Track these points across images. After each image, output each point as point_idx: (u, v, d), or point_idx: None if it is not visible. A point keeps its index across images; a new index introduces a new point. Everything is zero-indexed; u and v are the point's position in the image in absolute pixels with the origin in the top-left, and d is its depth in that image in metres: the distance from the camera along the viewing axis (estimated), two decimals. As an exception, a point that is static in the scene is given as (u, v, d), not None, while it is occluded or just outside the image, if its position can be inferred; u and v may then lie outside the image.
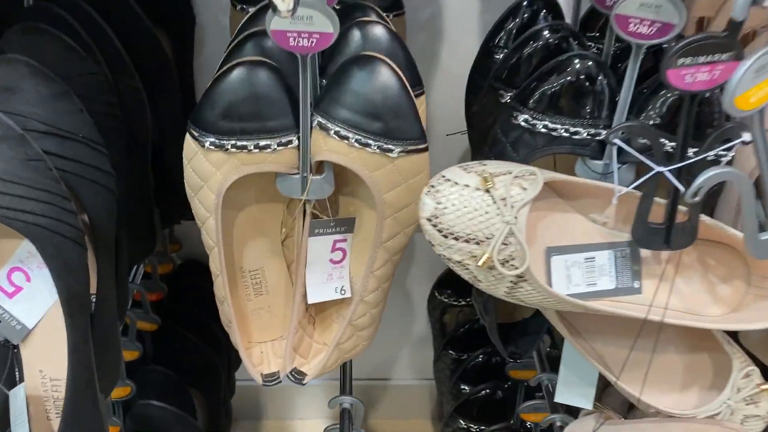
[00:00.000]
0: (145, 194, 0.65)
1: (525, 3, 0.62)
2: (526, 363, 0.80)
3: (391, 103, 0.47)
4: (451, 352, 0.94)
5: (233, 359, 0.93)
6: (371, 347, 0.61)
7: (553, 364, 0.76)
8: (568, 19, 0.62)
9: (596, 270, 0.48)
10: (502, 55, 0.61)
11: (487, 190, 0.42)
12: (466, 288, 0.99)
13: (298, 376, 0.58)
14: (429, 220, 0.43)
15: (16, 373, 0.46)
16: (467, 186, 0.43)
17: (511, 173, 0.43)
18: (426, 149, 0.48)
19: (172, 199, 0.64)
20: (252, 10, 0.65)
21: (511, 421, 0.83)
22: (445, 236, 0.43)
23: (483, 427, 0.85)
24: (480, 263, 0.42)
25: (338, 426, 0.71)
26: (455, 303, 0.99)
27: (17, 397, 0.44)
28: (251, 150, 0.48)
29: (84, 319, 0.44)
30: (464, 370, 0.90)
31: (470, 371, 0.90)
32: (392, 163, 0.47)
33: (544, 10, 0.62)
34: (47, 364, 0.46)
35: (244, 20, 0.58)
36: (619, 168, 0.49)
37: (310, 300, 0.56)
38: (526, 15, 0.62)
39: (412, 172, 0.48)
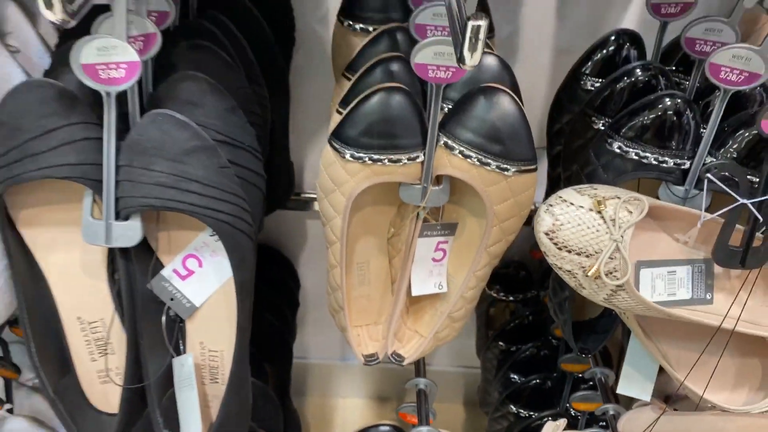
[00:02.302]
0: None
1: (612, 37, 0.69)
2: (577, 357, 0.88)
3: (510, 129, 0.54)
4: (500, 343, 1.02)
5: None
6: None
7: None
8: (649, 50, 0.69)
9: (676, 282, 0.56)
10: (589, 83, 0.69)
11: (599, 212, 0.50)
12: (512, 285, 1.08)
13: (398, 358, 0.66)
14: (546, 234, 0.50)
15: (180, 343, 0.54)
16: (581, 207, 0.50)
17: (619, 198, 0.50)
18: (535, 169, 0.56)
19: (275, 190, 0.72)
20: (359, 27, 0.73)
21: (558, 409, 0.92)
22: (560, 249, 0.50)
23: (532, 413, 0.93)
24: (589, 274, 0.49)
25: (413, 404, 0.79)
26: (503, 298, 1.06)
27: (184, 364, 0.52)
28: (385, 163, 0.55)
29: (249, 302, 0.51)
30: (514, 361, 0.98)
31: (520, 362, 0.98)
32: (506, 180, 0.55)
33: (628, 44, 0.69)
34: (207, 338, 0.54)
35: (365, 43, 0.66)
36: (698, 194, 0.57)
37: (414, 292, 0.64)
38: (612, 48, 0.69)
39: (522, 189, 0.56)
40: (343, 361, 1.32)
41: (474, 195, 0.60)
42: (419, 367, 0.81)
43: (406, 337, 0.68)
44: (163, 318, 0.52)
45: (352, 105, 0.56)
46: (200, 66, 0.54)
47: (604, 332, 0.70)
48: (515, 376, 0.98)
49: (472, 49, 0.38)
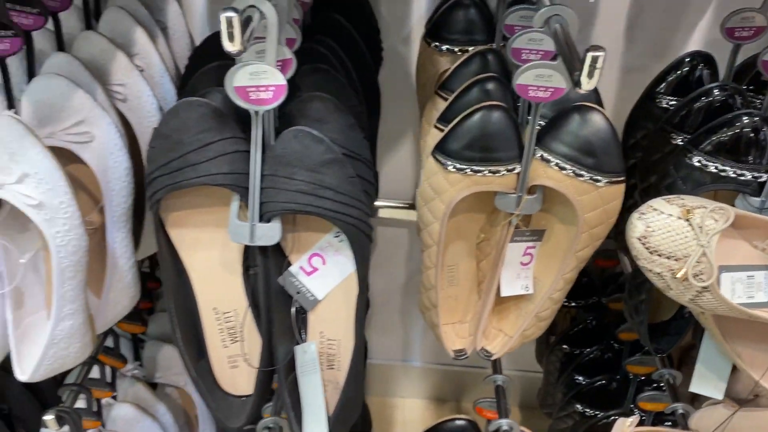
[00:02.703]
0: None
1: (687, 58, 0.74)
2: (642, 360, 0.92)
3: (602, 144, 0.59)
4: (564, 347, 1.07)
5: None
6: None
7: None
8: (721, 69, 0.74)
9: (755, 286, 0.60)
10: (664, 101, 0.74)
11: (687, 219, 0.55)
12: (574, 291, 1.12)
13: (486, 354, 0.72)
14: (639, 239, 0.56)
15: (302, 332, 0.60)
16: (671, 215, 0.55)
17: (706, 207, 0.55)
18: (624, 181, 0.61)
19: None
20: (445, 48, 0.79)
21: (623, 409, 0.96)
22: (651, 253, 0.55)
23: (598, 412, 0.97)
24: (678, 276, 0.55)
25: (490, 399, 0.84)
26: (565, 304, 1.11)
27: (307, 351, 0.59)
28: (485, 174, 0.61)
29: (365, 296, 0.58)
30: (579, 364, 1.03)
31: (584, 365, 1.03)
32: (597, 190, 0.60)
33: (702, 64, 0.74)
34: (327, 328, 0.60)
35: (458, 63, 0.72)
36: (774, 205, 0.62)
37: (503, 293, 0.69)
38: (686, 68, 0.74)
39: (611, 198, 0.61)
40: (403, 363, 1.38)
41: (562, 203, 0.65)
42: (496, 364, 0.86)
43: (491, 335, 0.74)
44: (293, 309, 0.58)
45: (455, 121, 0.62)
46: (320, 87, 0.61)
47: (676, 334, 0.75)
48: (580, 378, 1.02)
49: (590, 75, 0.44)
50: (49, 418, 0.72)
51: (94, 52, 0.69)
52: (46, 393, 0.97)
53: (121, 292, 0.70)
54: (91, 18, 0.77)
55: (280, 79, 0.51)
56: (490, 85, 0.66)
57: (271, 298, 0.57)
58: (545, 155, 0.61)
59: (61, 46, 0.70)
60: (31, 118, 0.61)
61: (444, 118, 0.67)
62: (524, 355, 1.23)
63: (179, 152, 0.53)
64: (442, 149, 0.62)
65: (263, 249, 0.56)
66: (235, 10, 0.44)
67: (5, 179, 0.55)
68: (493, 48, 0.73)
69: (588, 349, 1.03)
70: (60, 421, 0.74)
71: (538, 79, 0.58)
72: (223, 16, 0.43)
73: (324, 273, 0.58)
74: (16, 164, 0.55)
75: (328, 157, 0.53)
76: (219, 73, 0.61)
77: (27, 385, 0.94)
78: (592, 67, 0.44)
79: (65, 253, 0.59)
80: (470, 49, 0.78)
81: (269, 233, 0.54)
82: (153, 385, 0.98)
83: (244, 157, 0.54)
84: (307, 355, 0.58)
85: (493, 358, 0.72)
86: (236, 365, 0.62)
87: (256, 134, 0.53)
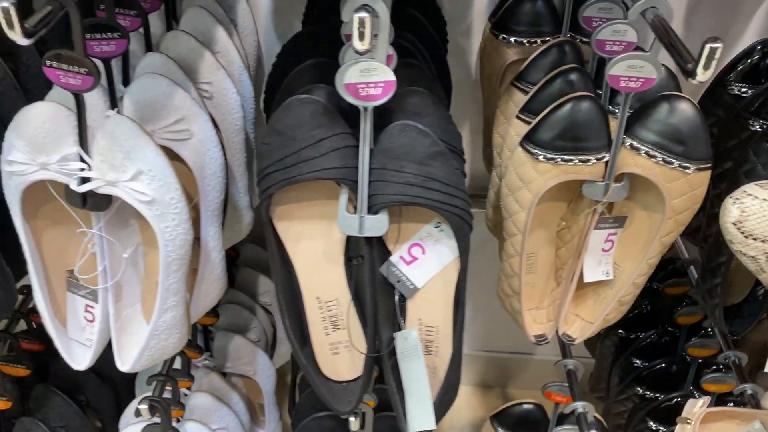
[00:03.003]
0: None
1: (758, 46, 0.75)
2: (703, 342, 0.94)
3: (691, 131, 0.61)
4: (620, 331, 1.09)
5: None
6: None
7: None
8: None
9: (840, 267, 0.62)
10: (736, 89, 0.75)
11: (783, 204, 0.56)
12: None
13: (568, 338, 0.73)
14: (734, 224, 0.58)
15: (401, 320, 0.62)
16: (765, 200, 0.57)
17: (800, 192, 0.57)
18: (711, 167, 0.63)
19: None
20: (513, 39, 0.81)
21: (684, 391, 0.98)
22: (746, 237, 0.57)
23: (658, 395, 0.99)
24: (775, 258, 0.56)
25: (558, 384, 0.86)
26: (616, 289, 1.13)
27: (408, 338, 0.61)
28: (575, 163, 0.63)
29: (465, 283, 0.60)
30: (636, 348, 1.05)
31: (641, 348, 1.05)
32: (685, 177, 0.62)
33: (773, 52, 0.75)
34: (425, 315, 0.62)
35: (535, 55, 0.73)
36: None
37: (586, 279, 0.71)
38: (756, 56, 0.75)
39: (698, 185, 0.63)
40: (450, 351, 1.40)
41: (644, 190, 0.67)
42: (565, 349, 0.88)
43: (569, 320, 0.76)
44: (397, 297, 0.60)
45: (545, 112, 0.63)
46: (413, 81, 0.63)
47: (750, 316, 0.77)
48: (638, 361, 1.04)
49: (707, 67, 0.46)
50: (143, 407, 0.74)
51: (182, 51, 0.70)
52: (119, 385, 1.00)
53: (212, 284, 0.72)
54: (170, 18, 0.78)
55: (390, 76, 0.53)
56: (573, 76, 0.67)
57: (376, 287, 0.59)
58: (634, 144, 0.63)
59: (149, 46, 0.72)
60: (133, 117, 0.63)
61: (528, 109, 0.68)
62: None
63: (293, 148, 0.54)
64: (531, 139, 0.64)
65: (368, 240, 0.58)
66: (367, 10, 0.45)
67: (119, 177, 0.57)
68: (569, 39, 0.74)
69: (644, 334, 1.05)
70: (151, 410, 0.76)
71: (630, 70, 0.59)
72: (356, 17, 0.45)
73: (423, 262, 0.60)
74: (131, 162, 0.57)
75: (434, 150, 0.55)
76: (314, 71, 0.63)
77: (103, 378, 0.97)
78: (710, 58, 0.45)
79: (173, 247, 0.61)
80: (538, 40, 0.80)
81: (377, 225, 0.56)
82: (222, 375, 1.01)
83: (353, 151, 0.56)
84: (408, 341, 0.60)
85: (576, 342, 0.74)
86: (337, 352, 0.64)
87: (365, 129, 0.55)
